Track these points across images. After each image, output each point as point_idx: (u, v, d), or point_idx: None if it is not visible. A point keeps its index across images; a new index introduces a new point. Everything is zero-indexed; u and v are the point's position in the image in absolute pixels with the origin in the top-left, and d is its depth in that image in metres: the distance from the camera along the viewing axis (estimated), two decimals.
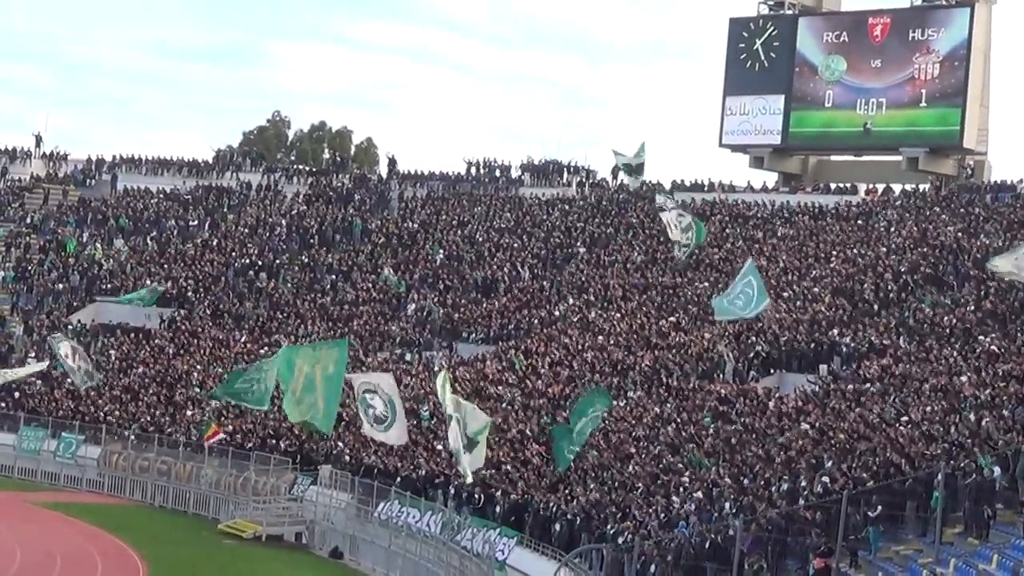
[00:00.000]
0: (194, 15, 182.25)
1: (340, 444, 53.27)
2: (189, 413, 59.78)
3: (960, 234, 57.67)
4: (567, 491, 43.55)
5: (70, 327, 68.88)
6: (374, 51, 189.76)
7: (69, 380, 63.45)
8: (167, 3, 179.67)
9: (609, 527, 39.82)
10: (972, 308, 49.84)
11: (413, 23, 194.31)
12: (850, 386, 45.74)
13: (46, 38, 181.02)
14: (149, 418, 59.93)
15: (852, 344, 50.36)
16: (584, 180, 78.04)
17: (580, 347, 56.67)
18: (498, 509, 44.92)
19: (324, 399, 43.53)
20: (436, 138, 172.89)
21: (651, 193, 71.18)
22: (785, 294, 56.54)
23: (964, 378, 42.56)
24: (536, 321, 61.62)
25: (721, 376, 51.23)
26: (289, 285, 71.15)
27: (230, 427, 57.08)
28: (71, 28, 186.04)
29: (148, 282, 71.16)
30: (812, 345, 51.72)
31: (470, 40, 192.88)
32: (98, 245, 78.31)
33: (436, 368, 55.10)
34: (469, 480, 43.63)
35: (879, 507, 34.70)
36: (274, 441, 55.57)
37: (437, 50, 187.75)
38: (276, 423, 55.89)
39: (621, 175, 73.92)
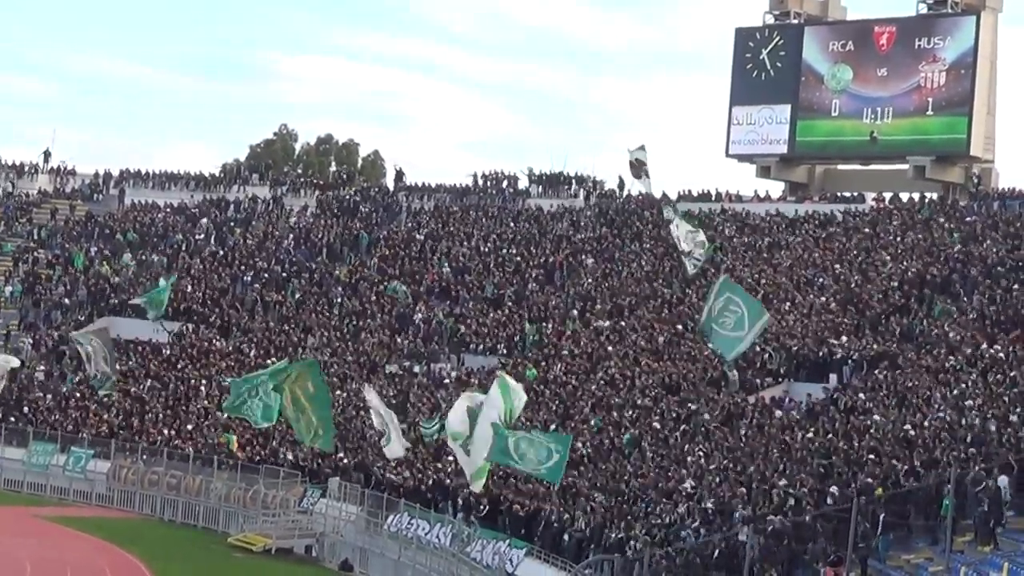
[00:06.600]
0: (200, 29, 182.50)
1: (346, 459, 53.31)
2: (190, 427, 59.85)
3: (967, 242, 57.66)
4: (576, 502, 43.52)
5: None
6: (380, 64, 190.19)
7: (78, 394, 63.47)
8: (173, 17, 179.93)
9: (618, 537, 39.80)
10: (978, 316, 49.84)
11: (418, 35, 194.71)
12: (858, 394, 45.76)
13: (52, 52, 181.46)
14: (158, 432, 59.94)
15: (860, 352, 50.36)
16: (591, 190, 77.99)
17: (588, 358, 56.66)
18: (507, 520, 44.88)
19: (316, 417, 43.04)
20: (443, 150, 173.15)
21: (658, 203, 71.12)
22: (792, 303, 56.54)
23: (971, 385, 42.56)
24: (545, 333, 61.58)
25: (728, 385, 51.20)
26: (297, 297, 71.15)
27: (235, 439, 57.21)
28: (78, 42, 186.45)
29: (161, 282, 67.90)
30: (820, 354, 51.70)
31: (474, 51, 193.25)
32: (105, 260, 78.20)
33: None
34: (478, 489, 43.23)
35: (886, 515, 34.69)
36: (283, 453, 55.60)
37: (442, 62, 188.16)
38: (282, 435, 56.04)
39: (628, 184, 73.23)
